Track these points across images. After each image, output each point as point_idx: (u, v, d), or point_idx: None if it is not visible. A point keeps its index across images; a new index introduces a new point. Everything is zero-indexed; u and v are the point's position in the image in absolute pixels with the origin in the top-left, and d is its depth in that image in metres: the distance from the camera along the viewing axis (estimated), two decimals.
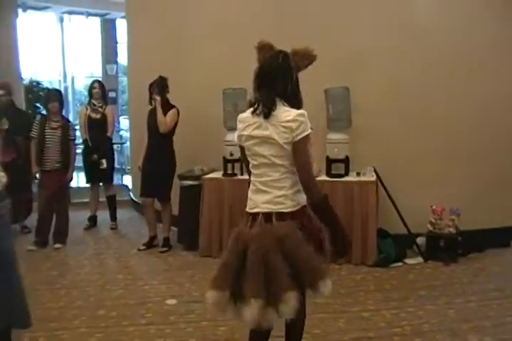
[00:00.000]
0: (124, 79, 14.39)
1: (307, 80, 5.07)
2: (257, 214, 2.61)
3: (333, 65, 5.11)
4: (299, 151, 2.52)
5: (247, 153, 2.66)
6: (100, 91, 6.37)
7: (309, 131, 2.55)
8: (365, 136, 5.19)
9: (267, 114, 2.53)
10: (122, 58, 13.35)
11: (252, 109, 2.61)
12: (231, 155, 5.21)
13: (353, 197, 4.90)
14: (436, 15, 5.28)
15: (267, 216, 2.57)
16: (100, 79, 7.39)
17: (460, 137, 5.33)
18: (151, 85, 5.48)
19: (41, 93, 9.97)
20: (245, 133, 2.62)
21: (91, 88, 6.42)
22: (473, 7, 5.29)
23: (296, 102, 2.68)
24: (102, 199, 6.71)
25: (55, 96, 5.79)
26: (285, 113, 2.54)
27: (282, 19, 5.41)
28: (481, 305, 3.99)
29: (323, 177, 5.06)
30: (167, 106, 5.44)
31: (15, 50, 7.98)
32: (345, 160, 5.02)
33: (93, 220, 6.67)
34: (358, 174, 5.04)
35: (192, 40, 6.00)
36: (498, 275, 4.63)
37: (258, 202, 2.61)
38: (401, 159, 5.24)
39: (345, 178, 5.03)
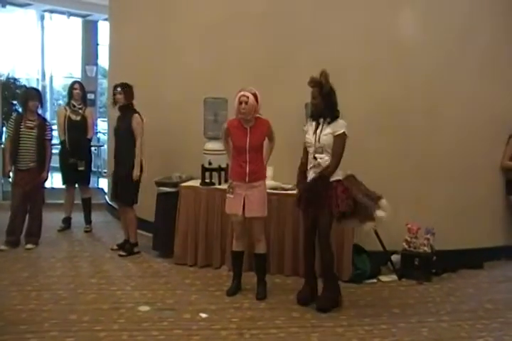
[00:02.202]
0: (103, 82, 14.26)
1: (288, 95, 5.16)
2: None
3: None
4: None
5: None
6: (81, 93, 6.29)
7: None
8: (345, 152, 5.20)
9: None
10: (102, 60, 13.25)
11: None
12: (209, 164, 5.20)
13: None
14: (419, 33, 5.34)
15: None
16: (80, 81, 7.26)
17: (439, 157, 5.41)
18: (115, 87, 5.47)
19: (18, 90, 9.79)
20: None
21: (71, 89, 6.31)
22: (458, 25, 5.39)
23: None
24: (77, 201, 6.60)
25: (36, 95, 5.69)
26: None
27: (264, 32, 5.46)
28: (453, 325, 4.04)
29: None
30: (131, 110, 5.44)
31: None
32: None
33: (67, 222, 6.55)
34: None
35: (174, 47, 6.01)
36: (471, 296, 4.68)
37: None
38: (379, 176, 5.24)
39: None
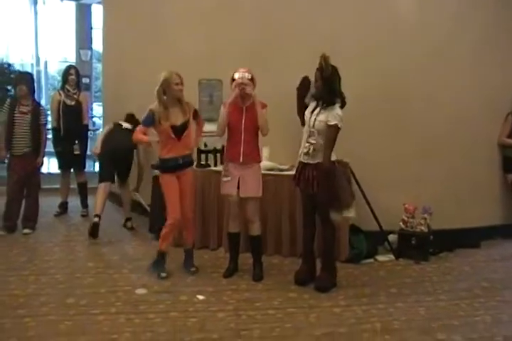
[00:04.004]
0: (98, 66, 14.14)
1: (284, 75, 5.11)
2: None
3: (310, 60, 5.12)
4: None
5: None
6: (76, 78, 6.24)
7: None
8: (341, 133, 5.16)
9: None
10: (97, 44, 13.11)
11: None
12: (205, 146, 5.16)
13: None
14: (416, 12, 5.29)
15: None
16: (75, 65, 7.18)
17: (436, 137, 5.38)
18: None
19: (12, 76, 9.69)
20: None
21: (66, 74, 6.25)
22: (455, 4, 5.35)
23: None
24: (73, 186, 6.59)
25: (25, 80, 5.62)
26: None
27: (262, 13, 5.38)
28: (450, 304, 4.04)
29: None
30: None
31: None
32: None
33: (64, 207, 6.55)
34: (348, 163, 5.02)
35: (168, 29, 5.92)
36: (468, 275, 4.69)
37: None
38: (376, 157, 5.26)
39: None
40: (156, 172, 5.33)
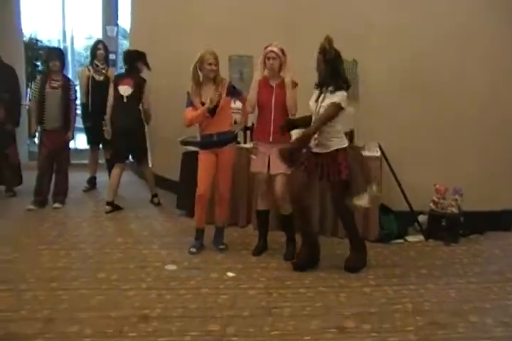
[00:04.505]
0: (124, 42, 14.08)
1: (311, 54, 5.01)
2: None
3: (342, 37, 4.98)
4: None
5: None
6: (104, 53, 6.22)
7: None
8: (372, 110, 5.08)
9: None
10: (123, 21, 13.02)
11: None
12: (235, 122, 5.11)
13: None
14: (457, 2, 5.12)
15: None
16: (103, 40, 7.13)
17: (469, 116, 5.22)
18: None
19: (41, 51, 9.71)
20: None
21: (95, 49, 6.25)
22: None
23: None
24: (101, 161, 6.63)
25: (57, 55, 5.63)
26: None
27: None
28: (482, 287, 3.97)
29: None
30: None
31: (16, 6, 7.67)
32: (350, 133, 4.90)
33: (92, 182, 6.61)
34: (362, 148, 4.95)
35: (197, 4, 5.84)
36: (498, 258, 4.61)
37: None
38: (407, 136, 5.16)
39: None
40: (186, 148, 5.33)
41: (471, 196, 5.03)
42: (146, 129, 5.83)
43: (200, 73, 4.25)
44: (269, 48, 4.16)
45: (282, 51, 4.19)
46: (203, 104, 4.24)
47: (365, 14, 5.06)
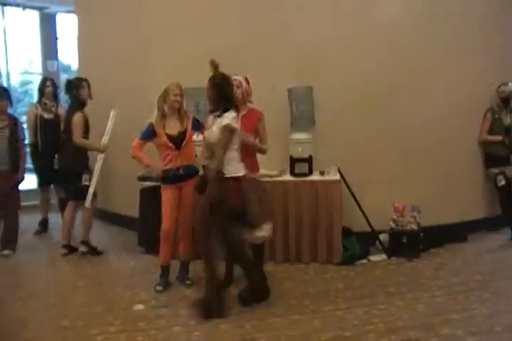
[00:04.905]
0: (65, 77, 13.82)
1: (271, 80, 5.12)
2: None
3: (296, 64, 5.12)
4: None
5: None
6: (53, 90, 6.09)
7: None
8: (328, 135, 5.20)
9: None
10: (62, 55, 12.78)
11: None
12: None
13: (317, 197, 4.89)
14: (399, 14, 5.35)
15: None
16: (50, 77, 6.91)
17: (420, 137, 5.42)
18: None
19: None
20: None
21: (43, 86, 6.10)
22: (435, 6, 5.41)
23: None
24: (53, 202, 6.44)
25: (4, 94, 5.47)
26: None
27: (244, 19, 5.35)
28: (447, 298, 4.08)
29: (287, 177, 5.04)
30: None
31: None
32: (309, 160, 5.00)
33: (44, 224, 6.37)
34: (322, 173, 5.05)
35: (150, 37, 5.82)
36: (459, 270, 4.75)
37: None
38: (363, 158, 5.30)
39: (309, 177, 5.01)
40: (143, 184, 5.25)
41: (427, 211, 5.19)
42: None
43: (165, 105, 4.24)
44: (233, 77, 4.15)
45: (247, 80, 4.23)
46: (169, 136, 4.21)
47: (316, 40, 5.21)
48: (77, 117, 5.12)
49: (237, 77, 4.19)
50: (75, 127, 5.12)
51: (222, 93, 3.89)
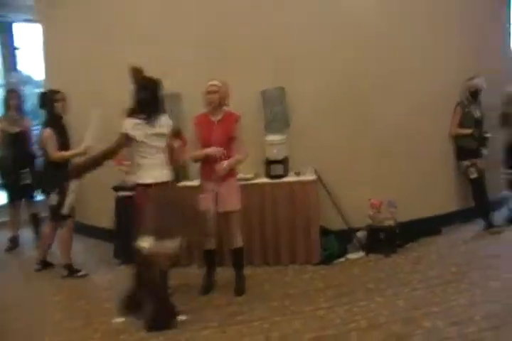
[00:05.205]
0: (28, 88, 13.60)
1: (245, 83, 5.12)
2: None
3: (268, 66, 5.11)
4: None
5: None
6: (18, 102, 5.93)
7: None
8: (303, 135, 5.22)
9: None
10: (21, 66, 12.53)
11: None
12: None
13: (294, 198, 4.90)
14: (371, 15, 5.39)
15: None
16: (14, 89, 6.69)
17: (392, 134, 5.47)
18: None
19: None
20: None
21: (7, 99, 5.93)
22: (404, 7, 5.49)
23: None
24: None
25: None
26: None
27: (216, 20, 5.31)
28: (426, 292, 4.13)
29: (263, 180, 5.04)
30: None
31: None
32: (285, 161, 5.01)
33: (15, 241, 6.20)
34: (298, 174, 5.06)
35: (118, 44, 5.69)
36: (436, 263, 4.80)
37: None
38: (339, 158, 5.32)
39: (286, 179, 5.02)
40: (120, 194, 5.16)
41: (402, 206, 5.24)
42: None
43: None
44: (210, 82, 4.16)
45: (225, 86, 4.21)
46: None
47: (288, 41, 5.22)
48: (46, 134, 4.87)
49: (215, 83, 4.18)
50: (46, 144, 4.88)
51: (135, 98, 3.85)
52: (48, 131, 4.86)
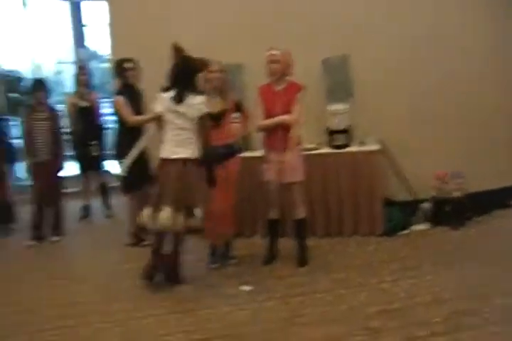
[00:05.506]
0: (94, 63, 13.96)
1: (306, 51, 5.01)
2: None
3: (330, 34, 4.98)
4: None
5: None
6: (87, 77, 6.15)
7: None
8: (366, 105, 5.08)
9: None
10: (90, 42, 12.85)
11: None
12: None
13: (357, 168, 4.83)
14: None
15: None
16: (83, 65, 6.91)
17: (461, 102, 5.24)
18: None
19: (20, 83, 9.42)
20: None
21: (77, 74, 6.16)
22: None
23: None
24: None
25: (42, 86, 5.52)
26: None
27: None
28: (496, 268, 3.96)
29: (325, 150, 4.97)
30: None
31: None
32: (347, 131, 4.91)
33: (87, 210, 6.49)
34: (362, 143, 4.96)
35: (180, 19, 5.62)
36: (508, 237, 4.61)
37: None
38: (403, 126, 5.16)
39: (348, 149, 4.94)
40: None
41: (471, 177, 5.04)
42: None
43: (206, 83, 4.18)
44: (270, 52, 4.12)
45: (286, 54, 4.15)
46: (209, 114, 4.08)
47: (354, 8, 5.12)
48: (118, 101, 4.92)
49: (276, 52, 4.12)
50: (120, 111, 4.92)
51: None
52: (120, 99, 4.93)
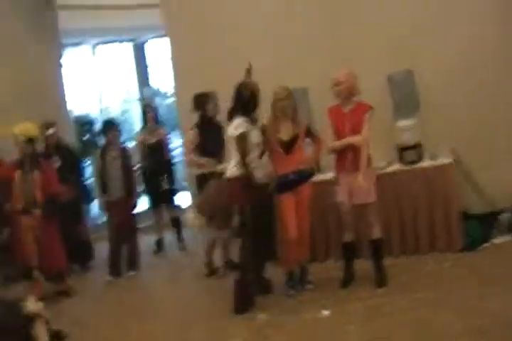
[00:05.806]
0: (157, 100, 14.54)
1: (368, 67, 4.99)
2: None
3: (393, 48, 5.03)
4: None
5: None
6: (153, 114, 6.41)
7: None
8: (436, 117, 5.00)
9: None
10: (153, 81, 13.38)
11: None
12: None
13: (431, 183, 4.71)
14: None
15: None
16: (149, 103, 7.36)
17: None
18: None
19: (92, 126, 9.84)
20: None
21: (144, 112, 6.48)
22: None
23: None
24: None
25: (114, 126, 5.82)
26: None
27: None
28: None
29: (397, 167, 4.90)
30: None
31: (61, 86, 7.93)
32: (418, 146, 4.82)
33: (160, 244, 6.59)
34: (433, 157, 4.84)
35: (243, 49, 5.67)
36: None
37: None
38: (477, 137, 5.01)
39: (420, 164, 4.84)
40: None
41: None
42: None
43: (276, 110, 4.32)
44: (334, 76, 4.20)
45: (349, 76, 4.19)
46: (280, 141, 4.27)
47: (413, 19, 5.11)
48: (187, 136, 5.17)
49: (339, 75, 4.18)
50: (184, 146, 5.16)
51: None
52: (190, 133, 5.13)
